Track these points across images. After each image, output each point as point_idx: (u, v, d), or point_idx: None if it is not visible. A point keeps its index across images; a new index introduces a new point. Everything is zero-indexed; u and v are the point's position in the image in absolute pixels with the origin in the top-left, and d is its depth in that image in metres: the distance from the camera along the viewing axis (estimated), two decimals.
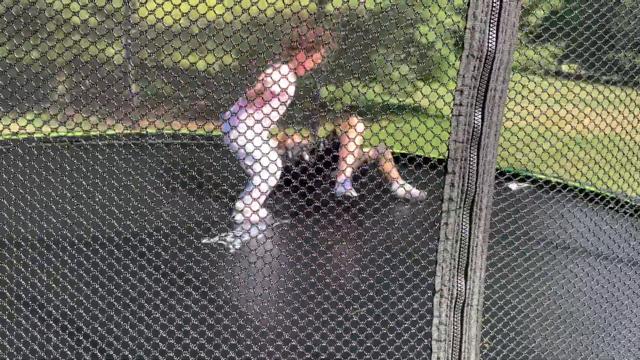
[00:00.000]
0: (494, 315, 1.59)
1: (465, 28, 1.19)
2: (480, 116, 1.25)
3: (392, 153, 3.53)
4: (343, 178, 3.19)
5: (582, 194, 2.98)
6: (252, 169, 2.32)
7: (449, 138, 1.27)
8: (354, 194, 3.16)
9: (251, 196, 2.72)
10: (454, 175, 1.30)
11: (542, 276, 1.94)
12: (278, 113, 2.58)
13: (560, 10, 2.32)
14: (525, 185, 3.57)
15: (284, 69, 2.75)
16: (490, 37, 1.19)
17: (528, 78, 2.12)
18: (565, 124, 2.22)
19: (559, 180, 3.15)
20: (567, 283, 1.86)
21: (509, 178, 3.60)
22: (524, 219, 1.97)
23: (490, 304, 1.62)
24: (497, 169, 3.57)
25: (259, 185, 2.41)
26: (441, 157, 1.38)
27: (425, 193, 3.29)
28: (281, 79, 2.41)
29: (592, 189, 3.12)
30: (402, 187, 3.32)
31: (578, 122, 2.15)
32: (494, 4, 1.17)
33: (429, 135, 1.62)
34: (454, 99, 1.24)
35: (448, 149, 1.28)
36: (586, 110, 2.23)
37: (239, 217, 2.97)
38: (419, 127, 1.67)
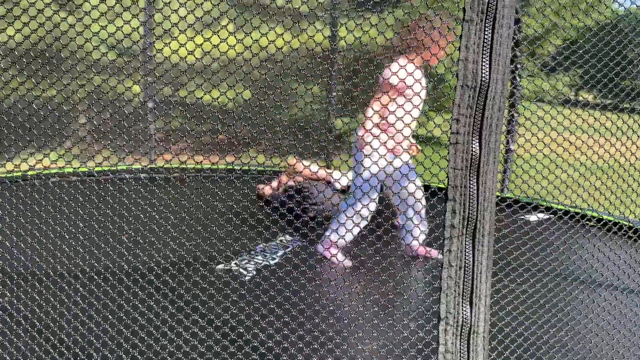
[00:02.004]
0: (500, 342, 1.58)
1: (458, 59, 1.23)
2: (477, 144, 1.28)
3: None
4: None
5: (600, 224, 2.94)
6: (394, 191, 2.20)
7: (447, 166, 1.30)
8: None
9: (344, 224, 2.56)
10: (454, 202, 1.32)
11: (550, 305, 1.91)
12: (405, 110, 2.34)
13: (573, 40, 2.35)
14: (546, 217, 3.54)
15: (403, 60, 2.59)
16: (483, 67, 1.22)
17: (544, 110, 2.13)
18: (582, 154, 2.22)
19: (578, 211, 3.12)
20: (578, 314, 1.83)
21: (529, 211, 3.57)
22: (543, 250, 1.96)
23: (497, 331, 1.60)
24: (516, 201, 3.55)
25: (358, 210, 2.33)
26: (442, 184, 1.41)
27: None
28: (401, 70, 2.30)
29: (611, 218, 3.08)
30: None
31: (593, 152, 2.15)
32: (486, 36, 1.21)
33: (442, 163, 1.63)
34: (450, 128, 1.27)
35: (447, 177, 1.31)
36: (601, 139, 2.23)
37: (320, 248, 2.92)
38: (432, 155, 1.69)
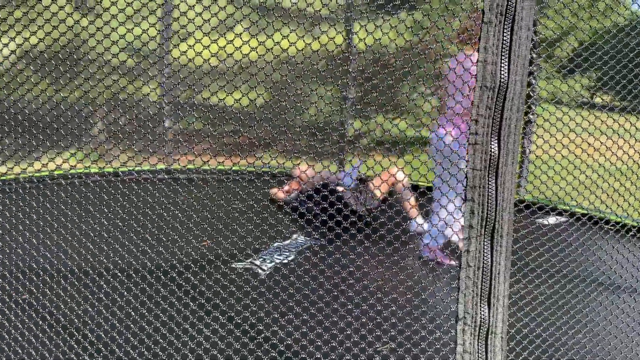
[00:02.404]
0: (518, 343, 1.58)
1: (477, 61, 1.24)
2: (496, 145, 1.28)
3: (415, 194, 3.55)
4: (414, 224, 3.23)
5: (618, 226, 2.92)
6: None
7: (466, 166, 1.31)
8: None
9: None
10: (473, 203, 1.33)
11: (569, 307, 1.91)
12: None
13: (591, 42, 2.34)
14: (563, 219, 3.52)
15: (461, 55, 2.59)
16: (502, 68, 1.23)
17: (562, 111, 2.13)
18: (600, 155, 2.21)
19: (595, 213, 3.09)
20: (596, 316, 1.82)
21: (545, 213, 3.55)
22: (560, 252, 1.95)
23: (515, 332, 1.61)
24: (534, 203, 3.53)
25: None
26: None
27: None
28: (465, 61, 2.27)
29: (629, 220, 3.05)
30: (420, 227, 3.31)
31: (612, 154, 2.14)
32: (505, 38, 1.22)
33: None
34: (469, 129, 1.29)
35: (466, 177, 1.32)
36: (620, 141, 2.22)
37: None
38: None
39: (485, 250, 1.34)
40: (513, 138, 1.29)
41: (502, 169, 1.30)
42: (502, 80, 1.24)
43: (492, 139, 1.28)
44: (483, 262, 1.35)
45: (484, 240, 1.34)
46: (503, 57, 1.23)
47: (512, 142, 1.29)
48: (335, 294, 2.10)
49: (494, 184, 1.31)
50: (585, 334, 1.71)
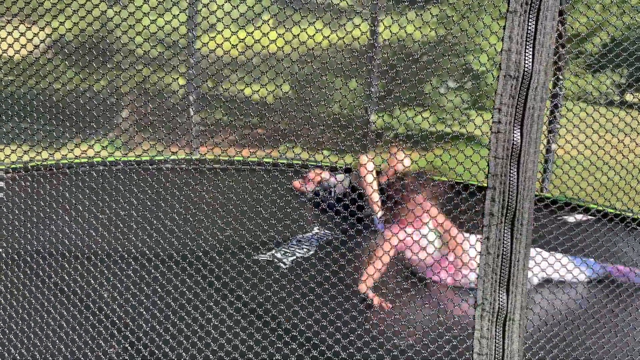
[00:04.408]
0: (536, 330, 1.59)
1: (501, 50, 1.26)
2: (519, 133, 1.30)
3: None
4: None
5: None
6: None
7: (488, 154, 1.33)
8: None
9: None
10: (494, 191, 1.35)
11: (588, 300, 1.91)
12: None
13: (621, 38, 2.32)
14: (585, 218, 3.49)
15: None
16: (526, 57, 1.25)
17: (587, 112, 2.12)
18: (630, 152, 2.19)
19: (618, 212, 3.06)
20: (615, 306, 1.82)
21: (573, 208, 3.51)
22: (583, 250, 1.96)
23: (533, 320, 1.62)
24: (557, 201, 3.50)
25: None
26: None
27: None
28: None
29: None
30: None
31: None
32: (529, 27, 1.23)
33: (482, 163, 1.65)
34: (492, 117, 1.30)
35: (488, 165, 1.33)
36: None
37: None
38: (473, 155, 1.70)
39: (505, 238, 1.36)
40: (536, 127, 1.30)
41: (524, 157, 1.31)
42: (526, 69, 1.26)
43: (515, 128, 1.30)
44: (503, 249, 1.37)
45: (504, 228, 1.36)
46: (527, 47, 1.25)
47: (534, 131, 1.31)
48: (356, 288, 2.13)
49: (515, 173, 1.32)
50: (603, 324, 1.71)
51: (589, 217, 3.50)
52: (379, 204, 3.18)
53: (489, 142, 1.32)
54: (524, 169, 1.33)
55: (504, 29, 1.25)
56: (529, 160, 1.32)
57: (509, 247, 1.36)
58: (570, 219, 3.53)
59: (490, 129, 1.32)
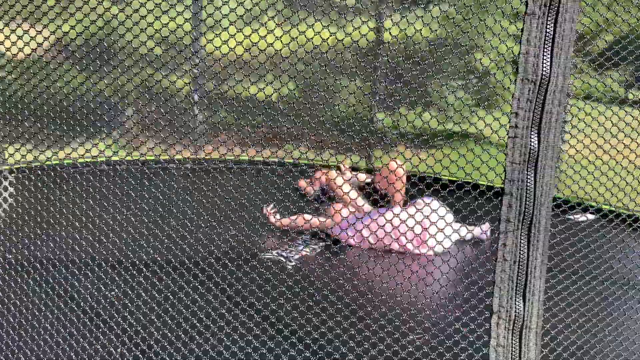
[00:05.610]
0: (553, 339, 1.57)
1: (519, 53, 1.23)
2: (536, 138, 1.27)
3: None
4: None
5: None
6: None
7: (505, 159, 1.30)
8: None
9: None
10: (511, 197, 1.32)
11: (606, 304, 1.88)
12: None
13: (625, 35, 2.29)
14: (594, 217, 3.45)
15: None
16: (544, 61, 1.22)
17: (598, 110, 2.10)
18: (630, 152, 2.17)
19: (624, 211, 3.03)
20: (635, 313, 1.80)
21: (578, 211, 3.47)
22: (595, 251, 1.93)
23: (550, 328, 1.60)
24: (565, 201, 3.47)
25: None
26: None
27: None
28: None
29: None
30: None
31: None
32: (548, 30, 1.20)
33: (491, 162, 1.62)
34: (509, 121, 1.28)
35: (505, 171, 1.31)
36: None
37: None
38: (482, 154, 1.68)
39: (521, 245, 1.34)
40: (554, 132, 1.28)
41: (542, 163, 1.29)
42: (544, 73, 1.23)
43: (532, 133, 1.27)
44: (519, 256, 1.34)
45: (520, 235, 1.33)
46: (545, 50, 1.22)
47: (552, 136, 1.28)
48: (363, 288, 2.11)
49: (532, 178, 1.30)
50: (622, 331, 1.69)
51: (600, 216, 3.45)
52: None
53: (506, 146, 1.30)
54: (541, 174, 1.30)
55: (521, 31, 1.22)
56: (546, 166, 1.30)
57: (525, 253, 1.34)
58: (582, 217, 3.49)
59: (507, 134, 1.29)
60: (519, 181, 1.30)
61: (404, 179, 3.18)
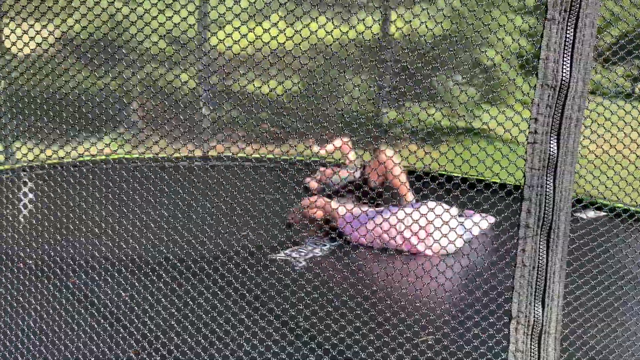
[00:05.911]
0: (572, 344, 1.56)
1: (539, 58, 1.22)
2: (555, 144, 1.26)
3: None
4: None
5: None
6: None
7: (524, 165, 1.29)
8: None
9: None
10: (530, 202, 1.31)
11: (625, 309, 1.87)
12: None
13: (632, 30, 2.26)
14: (603, 213, 3.42)
15: None
16: (564, 66, 1.21)
17: (604, 106, 2.07)
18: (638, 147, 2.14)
19: (634, 207, 3.00)
20: None
21: (585, 206, 3.45)
22: (602, 247, 1.92)
23: (569, 333, 1.59)
24: (578, 200, 3.44)
25: None
26: (517, 183, 1.40)
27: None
28: None
29: None
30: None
31: None
32: (568, 35, 1.19)
33: (503, 161, 1.62)
34: (529, 127, 1.27)
35: (524, 176, 1.30)
36: None
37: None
38: (491, 151, 1.66)
39: (540, 250, 1.33)
40: (573, 138, 1.27)
41: (561, 168, 1.28)
42: (563, 79, 1.22)
43: (552, 138, 1.26)
44: (538, 261, 1.34)
45: (539, 240, 1.33)
46: (565, 56, 1.21)
47: (572, 141, 1.27)
48: (375, 288, 2.11)
49: (551, 184, 1.29)
50: (636, 338, 1.68)
51: (608, 213, 3.43)
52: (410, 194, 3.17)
53: (525, 152, 1.29)
54: (561, 180, 1.29)
55: (541, 37, 1.21)
56: (565, 171, 1.29)
57: (544, 259, 1.33)
58: (589, 214, 3.47)
59: (527, 139, 1.28)
60: (538, 187, 1.29)
61: (399, 173, 3.15)
